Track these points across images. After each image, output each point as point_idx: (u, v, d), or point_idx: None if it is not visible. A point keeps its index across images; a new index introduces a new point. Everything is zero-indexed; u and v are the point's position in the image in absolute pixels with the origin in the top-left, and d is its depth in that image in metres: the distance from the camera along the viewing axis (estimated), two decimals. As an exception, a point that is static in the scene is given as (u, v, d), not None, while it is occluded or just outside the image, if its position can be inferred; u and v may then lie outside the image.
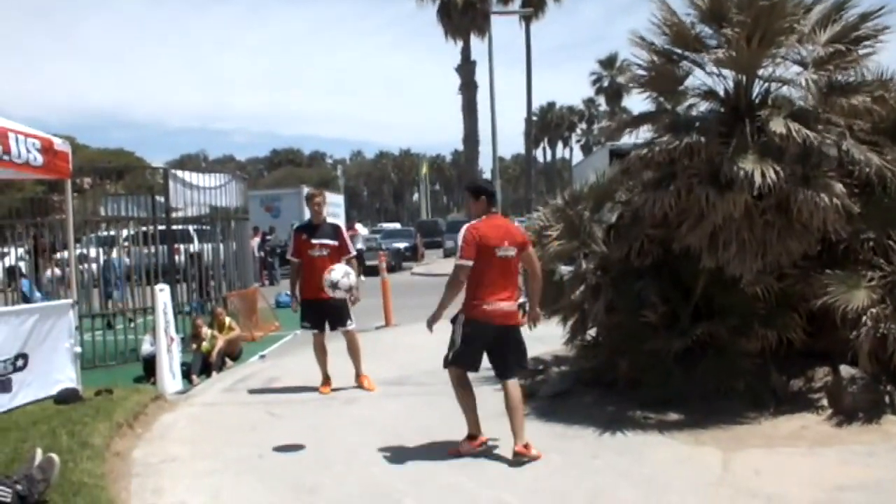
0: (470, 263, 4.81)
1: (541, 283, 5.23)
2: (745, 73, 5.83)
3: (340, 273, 5.93)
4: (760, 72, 5.85)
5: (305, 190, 29.13)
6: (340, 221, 26.87)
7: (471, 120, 31.86)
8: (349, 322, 7.02)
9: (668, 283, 6.02)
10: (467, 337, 4.92)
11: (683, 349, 5.75)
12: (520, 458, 4.78)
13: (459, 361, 5.00)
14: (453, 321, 5.05)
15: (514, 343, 5.01)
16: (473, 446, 5.04)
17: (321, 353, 7.17)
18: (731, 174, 5.31)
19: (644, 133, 6.36)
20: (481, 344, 4.96)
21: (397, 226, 46.71)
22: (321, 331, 7.08)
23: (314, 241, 6.97)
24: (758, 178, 5.18)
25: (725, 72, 5.92)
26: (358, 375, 7.20)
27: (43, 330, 6.41)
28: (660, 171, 6.02)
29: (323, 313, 6.97)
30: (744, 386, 5.65)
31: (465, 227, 4.93)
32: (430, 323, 5.00)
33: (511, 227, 5.08)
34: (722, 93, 6.04)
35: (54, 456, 4.18)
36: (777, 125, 5.34)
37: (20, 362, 6.18)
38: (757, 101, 5.92)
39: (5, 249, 11.12)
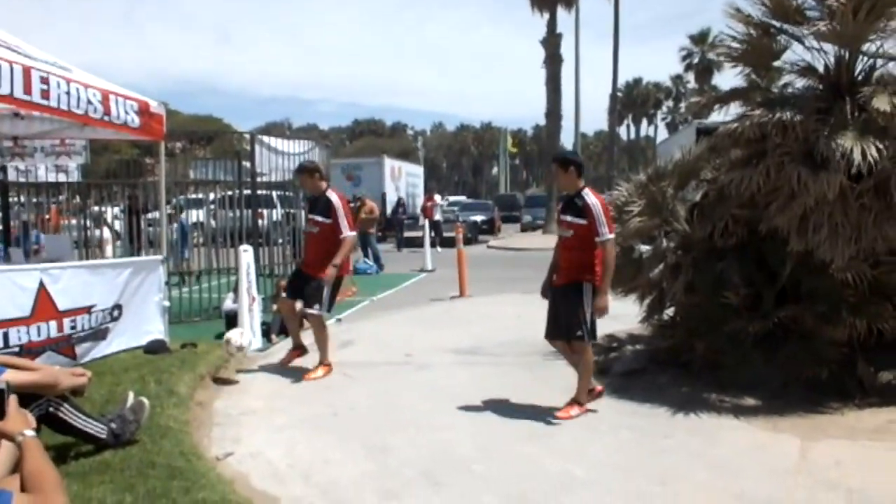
0: (614, 236, 5.12)
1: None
2: (848, 48, 5.56)
3: (237, 333, 6.53)
4: (865, 47, 5.56)
5: (386, 160, 29.77)
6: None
7: (554, 94, 31.39)
8: (316, 307, 6.49)
9: (751, 264, 5.88)
10: (591, 304, 5.17)
11: (764, 333, 5.61)
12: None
13: (589, 335, 5.19)
14: (571, 292, 5.16)
15: None
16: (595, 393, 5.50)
17: (288, 316, 6.99)
18: (826, 153, 5.09)
19: (735, 110, 6.23)
20: None
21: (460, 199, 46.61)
22: (291, 298, 6.82)
23: (309, 216, 6.73)
24: (857, 157, 4.95)
25: (826, 46, 5.65)
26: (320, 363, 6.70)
27: (135, 283, 6.71)
28: (749, 148, 5.85)
29: (301, 286, 6.66)
30: (827, 375, 5.47)
31: (594, 200, 5.08)
32: (603, 306, 5.13)
33: None
34: (821, 69, 5.79)
35: (144, 399, 4.39)
36: (881, 102, 5.08)
37: (116, 312, 6.49)
38: (859, 77, 5.65)
39: (103, 208, 11.65)
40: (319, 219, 6.57)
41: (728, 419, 5.20)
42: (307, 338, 7.02)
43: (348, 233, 6.51)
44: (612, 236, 5.08)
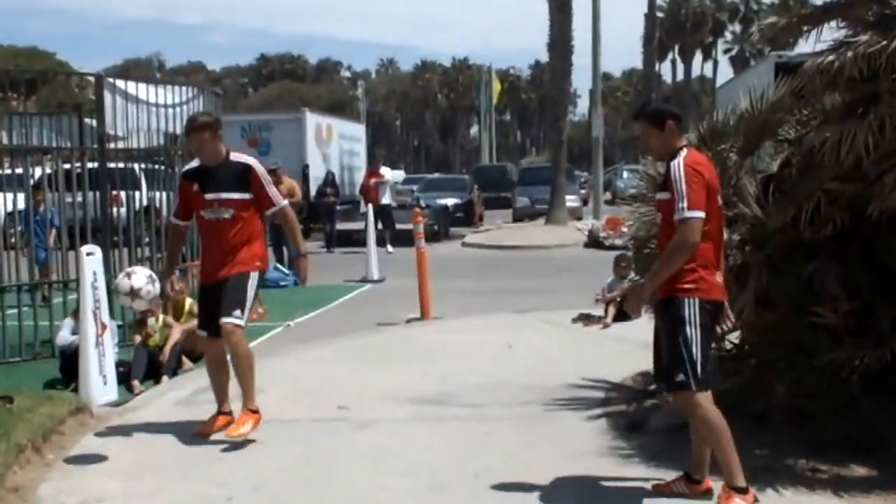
0: (703, 216, 4.85)
1: None
2: None
3: (143, 278, 6.52)
4: None
5: (309, 116, 29.66)
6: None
7: (561, 15, 31.46)
8: (237, 314, 6.47)
9: (857, 265, 5.93)
10: (708, 331, 4.97)
11: (879, 369, 5.65)
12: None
13: (696, 379, 4.87)
14: (667, 311, 4.99)
15: None
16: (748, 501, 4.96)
17: (215, 366, 6.86)
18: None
19: (832, 34, 6.24)
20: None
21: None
22: (210, 333, 6.72)
23: (208, 196, 6.65)
24: None
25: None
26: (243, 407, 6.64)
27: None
28: (853, 92, 5.90)
29: (216, 303, 6.60)
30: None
31: (679, 163, 4.96)
32: (639, 302, 5.14)
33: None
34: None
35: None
36: None
37: None
38: None
39: None
40: (231, 196, 6.59)
41: (825, 498, 5.21)
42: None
43: (283, 201, 6.82)
44: (692, 215, 4.82)
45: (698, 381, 4.84)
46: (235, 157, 6.77)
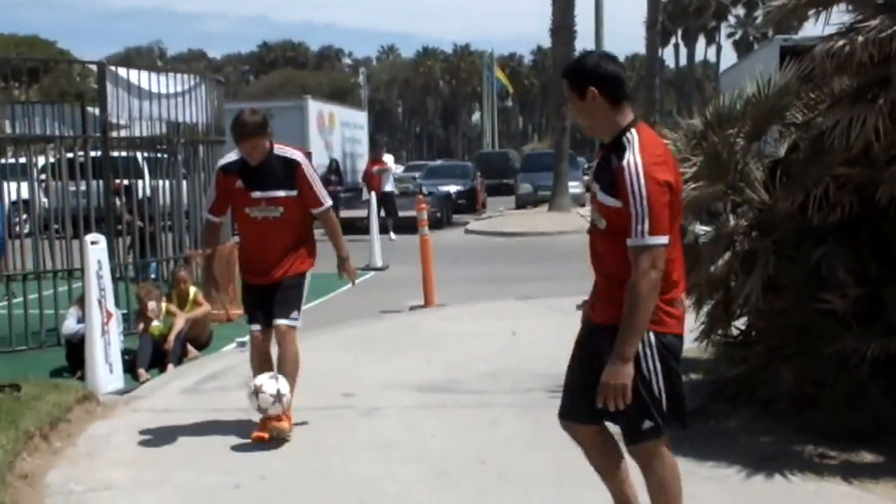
0: (667, 240, 3.77)
1: None
2: None
3: (267, 380, 6.12)
4: None
5: (311, 103, 29.62)
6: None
7: (564, 2, 31.46)
8: (294, 315, 6.46)
9: (866, 251, 5.91)
10: (670, 369, 3.92)
11: (887, 356, 5.62)
12: None
13: (671, 418, 3.98)
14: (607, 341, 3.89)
15: None
16: None
17: (261, 361, 6.63)
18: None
19: (840, 18, 6.19)
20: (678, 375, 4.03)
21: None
22: (265, 329, 6.60)
23: (256, 194, 6.41)
24: None
25: None
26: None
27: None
28: (862, 75, 5.86)
29: (268, 302, 6.49)
30: None
31: (635, 167, 3.75)
32: (620, 380, 3.77)
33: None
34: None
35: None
36: None
37: None
38: None
39: None
40: (280, 194, 6.36)
41: (833, 484, 5.21)
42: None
43: (328, 201, 6.60)
44: (656, 242, 3.72)
45: (661, 424, 3.94)
46: (279, 149, 6.48)
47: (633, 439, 3.99)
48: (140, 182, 11.83)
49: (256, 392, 6.03)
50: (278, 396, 6.04)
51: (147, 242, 11.33)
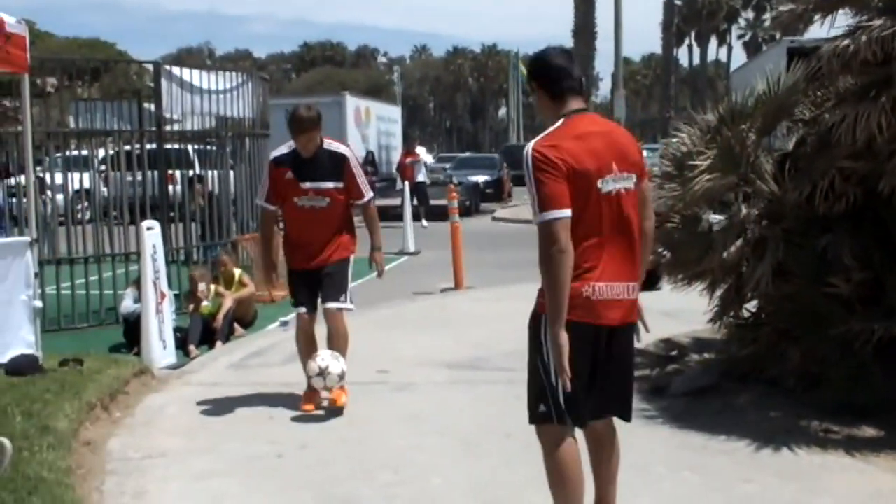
0: (564, 215, 3.64)
1: (651, 245, 4.24)
2: None
3: (329, 357, 6.13)
4: None
5: (349, 99, 29.65)
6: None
7: (585, 4, 31.35)
8: (343, 298, 6.48)
9: (869, 238, 5.88)
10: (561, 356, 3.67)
11: (890, 337, 5.58)
12: None
13: (558, 411, 3.82)
14: (535, 327, 3.92)
15: (630, 360, 4.05)
16: None
17: (306, 342, 6.57)
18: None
19: (845, 21, 6.15)
20: (586, 364, 3.78)
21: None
22: (311, 311, 6.62)
23: (305, 185, 6.42)
24: None
25: None
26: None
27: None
28: (866, 74, 5.82)
29: (314, 286, 6.53)
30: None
31: (527, 150, 3.78)
32: (557, 349, 3.66)
33: (619, 135, 4.01)
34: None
35: (5, 441, 4.34)
36: None
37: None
38: None
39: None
40: (327, 185, 6.39)
41: (837, 456, 5.20)
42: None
43: (370, 193, 6.65)
44: (547, 216, 3.65)
45: (560, 414, 3.80)
46: (329, 143, 6.51)
47: (530, 419, 3.94)
48: (191, 172, 11.93)
49: (323, 373, 6.07)
50: (341, 375, 6.12)
51: (212, 227, 11.41)
